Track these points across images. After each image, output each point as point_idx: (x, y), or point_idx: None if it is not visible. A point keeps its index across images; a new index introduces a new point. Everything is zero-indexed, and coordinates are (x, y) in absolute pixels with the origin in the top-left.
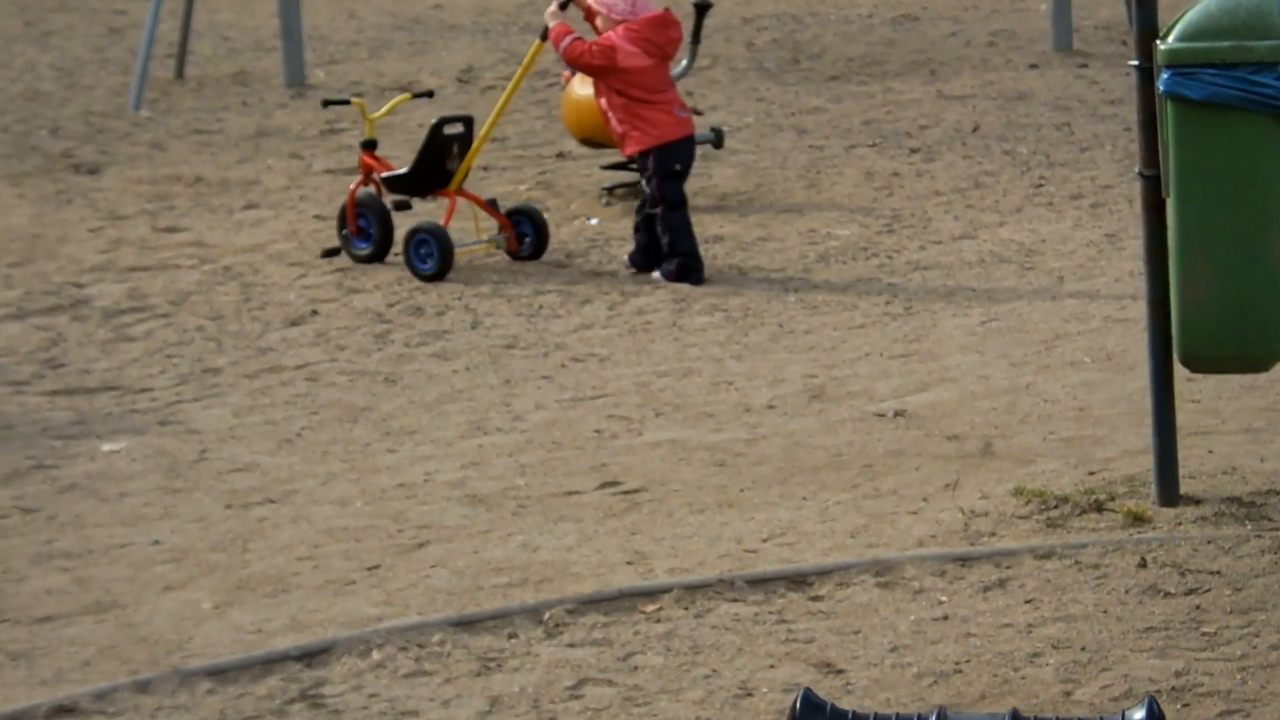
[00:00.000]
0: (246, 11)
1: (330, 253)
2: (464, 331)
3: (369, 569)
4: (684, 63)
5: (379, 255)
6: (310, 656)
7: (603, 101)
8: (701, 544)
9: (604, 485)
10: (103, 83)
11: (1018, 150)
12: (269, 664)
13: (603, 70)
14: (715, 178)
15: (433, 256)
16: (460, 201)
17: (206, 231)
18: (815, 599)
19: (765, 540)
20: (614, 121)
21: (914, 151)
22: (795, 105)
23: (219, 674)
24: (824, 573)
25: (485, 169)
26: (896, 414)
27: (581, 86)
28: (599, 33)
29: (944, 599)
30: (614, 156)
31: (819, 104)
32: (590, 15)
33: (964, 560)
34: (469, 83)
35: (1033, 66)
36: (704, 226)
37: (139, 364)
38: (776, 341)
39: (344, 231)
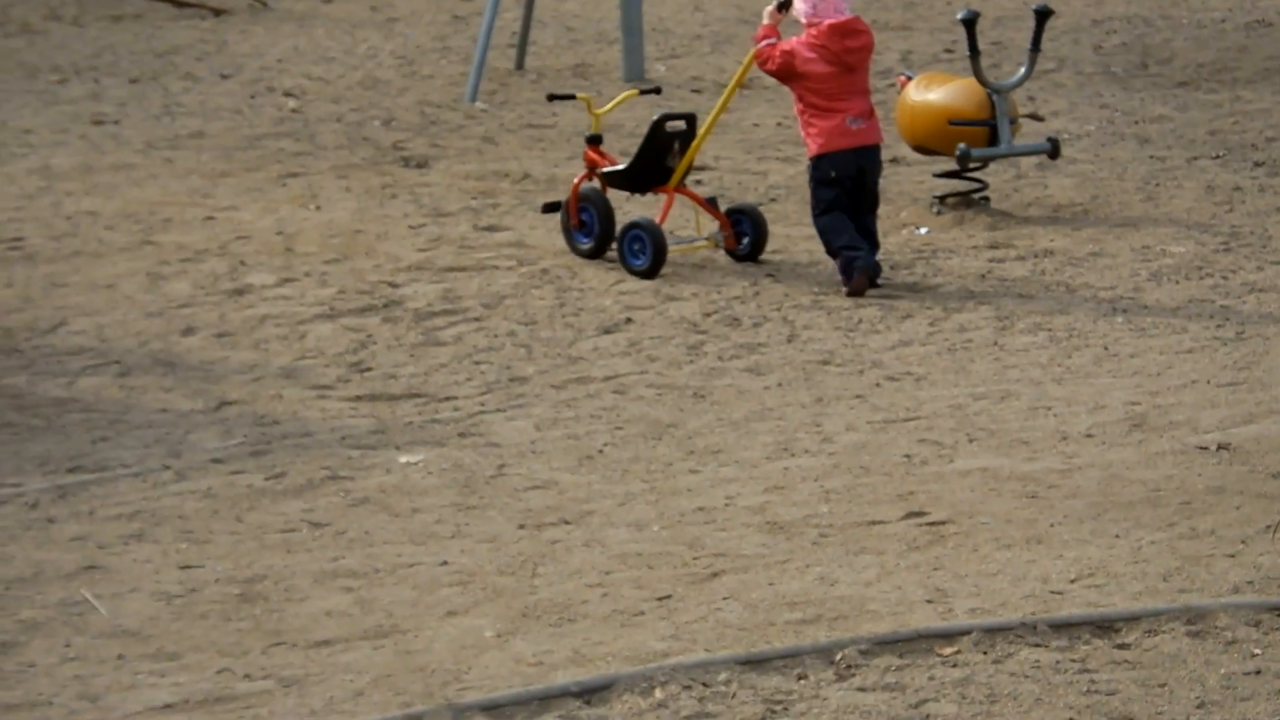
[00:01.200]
0: (592, 3)
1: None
2: (779, 345)
3: (659, 599)
4: (1021, 71)
5: (599, 250)
6: (590, 693)
7: (797, 104)
8: (1006, 582)
9: (909, 515)
10: (442, 72)
11: None
12: (546, 700)
13: (783, 76)
14: (1050, 188)
15: (645, 252)
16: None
17: (528, 231)
18: (1121, 647)
19: (1073, 581)
20: (800, 124)
21: (1258, 165)
22: (1140, 113)
23: (494, 709)
24: (1132, 619)
25: None
26: (1220, 447)
27: (916, 92)
28: None
29: (1258, 651)
30: (948, 164)
31: (1164, 112)
32: None
33: None
34: None
35: None
36: (1035, 240)
37: (446, 370)
38: (1100, 365)
39: (568, 224)
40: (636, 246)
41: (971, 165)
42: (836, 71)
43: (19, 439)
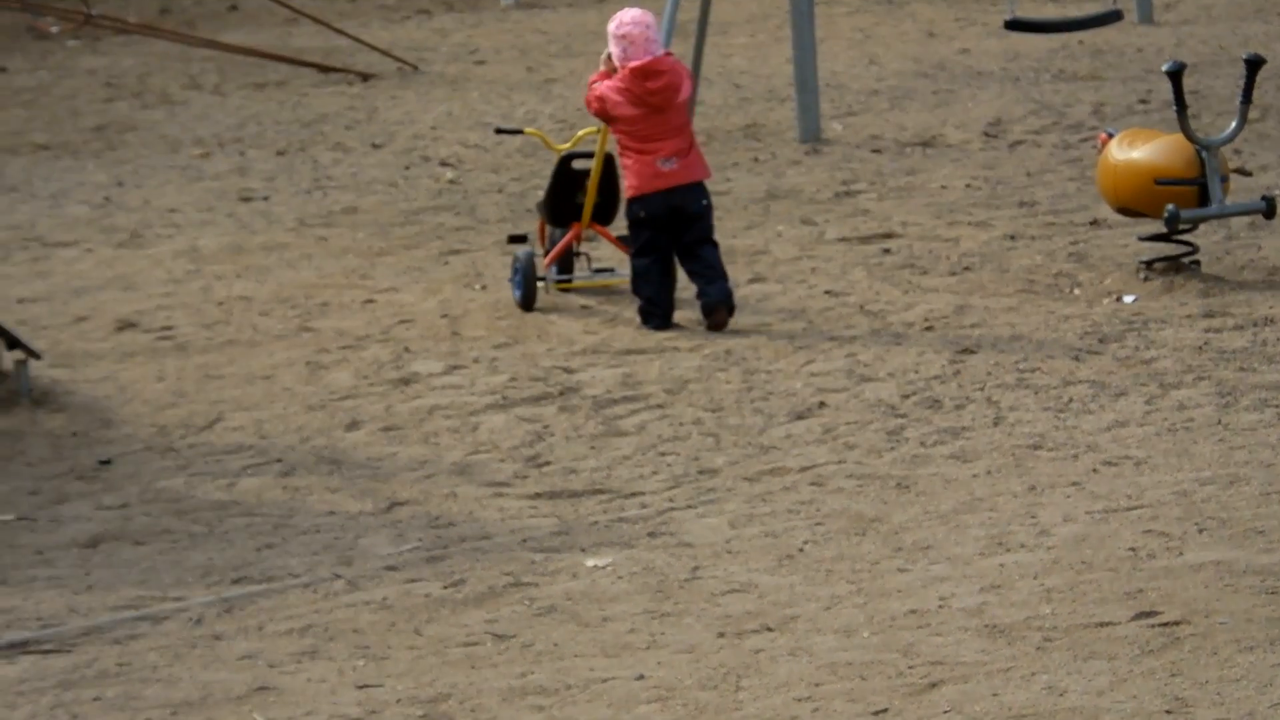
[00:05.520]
0: (760, 58)
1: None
2: (985, 429)
3: (875, 714)
4: (1233, 125)
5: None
6: None
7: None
8: (1251, 689)
9: (1140, 615)
10: None
11: None
12: None
13: (602, 119)
14: (1265, 249)
15: (519, 286)
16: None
17: None
18: None
19: None
20: (620, 165)
21: None
22: None
23: None
24: None
25: (1012, 238)
26: None
27: (1119, 150)
28: None
29: None
30: (1154, 226)
31: None
32: None
33: None
34: (996, 136)
35: None
36: (1253, 307)
37: (630, 462)
38: None
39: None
40: (518, 278)
41: (1181, 227)
42: (645, 113)
43: (179, 547)
